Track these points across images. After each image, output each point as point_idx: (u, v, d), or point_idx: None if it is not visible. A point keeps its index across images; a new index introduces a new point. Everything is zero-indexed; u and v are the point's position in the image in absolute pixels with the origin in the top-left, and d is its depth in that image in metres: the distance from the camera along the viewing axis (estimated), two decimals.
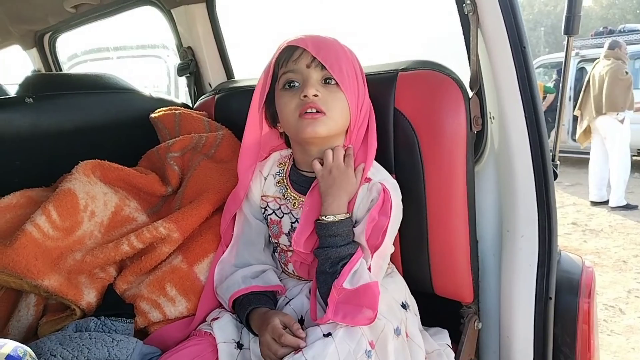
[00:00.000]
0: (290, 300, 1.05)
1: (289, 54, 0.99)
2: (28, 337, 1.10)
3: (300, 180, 1.08)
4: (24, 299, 1.10)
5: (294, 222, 1.06)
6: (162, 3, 1.75)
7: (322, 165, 1.02)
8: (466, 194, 1.11)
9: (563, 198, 5.92)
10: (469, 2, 1.04)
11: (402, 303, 1.07)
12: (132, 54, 3.51)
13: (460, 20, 1.15)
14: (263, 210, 1.13)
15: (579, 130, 5.67)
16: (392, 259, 1.17)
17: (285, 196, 1.09)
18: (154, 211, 1.28)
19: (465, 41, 1.15)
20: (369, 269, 0.95)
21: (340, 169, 0.99)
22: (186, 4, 1.69)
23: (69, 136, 1.44)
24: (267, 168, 1.15)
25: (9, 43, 2.62)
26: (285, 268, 1.12)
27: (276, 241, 1.12)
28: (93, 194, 1.17)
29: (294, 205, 1.07)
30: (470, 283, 1.14)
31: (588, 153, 5.69)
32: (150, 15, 1.93)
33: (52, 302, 1.11)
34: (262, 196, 1.14)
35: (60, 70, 2.55)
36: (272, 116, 1.09)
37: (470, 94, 1.11)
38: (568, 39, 1.12)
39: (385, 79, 1.14)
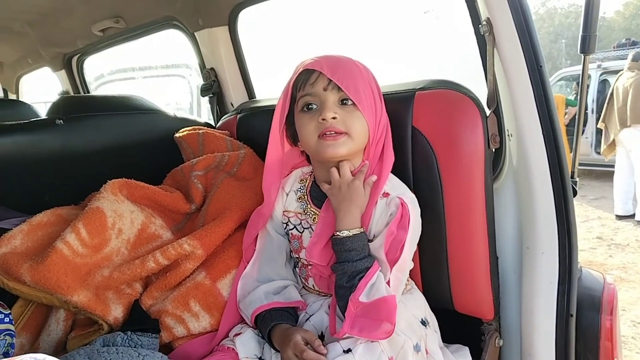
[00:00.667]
0: (311, 316, 1.07)
1: (305, 77, 1.01)
2: (57, 351, 1.13)
3: (320, 196, 1.10)
4: (54, 314, 1.14)
5: None
6: (186, 26, 1.81)
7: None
8: (485, 210, 1.11)
9: (588, 212, 5.82)
10: (484, 23, 1.06)
11: (422, 319, 1.07)
12: (157, 74, 3.61)
13: (477, 40, 1.17)
14: (285, 225, 1.15)
15: (604, 144, 5.58)
16: (412, 275, 1.18)
17: (306, 212, 1.11)
18: (178, 228, 1.32)
19: (482, 61, 1.16)
20: (388, 283, 0.96)
21: (348, 183, 1.01)
22: (209, 27, 1.74)
23: (97, 155, 1.50)
24: (289, 184, 1.17)
25: (40, 65, 2.73)
26: (306, 283, 1.14)
27: (297, 256, 1.14)
28: (120, 212, 1.21)
29: (314, 220, 1.09)
30: (491, 300, 1.15)
31: (613, 166, 5.59)
32: (174, 36, 2.00)
33: (81, 317, 1.15)
34: (284, 212, 1.16)
35: (87, 90, 2.63)
36: (292, 135, 1.11)
37: (488, 112, 1.13)
38: (584, 57, 1.12)
39: (403, 97, 1.17)
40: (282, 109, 1.07)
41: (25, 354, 1.14)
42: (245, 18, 1.76)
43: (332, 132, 0.99)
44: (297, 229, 1.13)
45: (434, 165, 1.12)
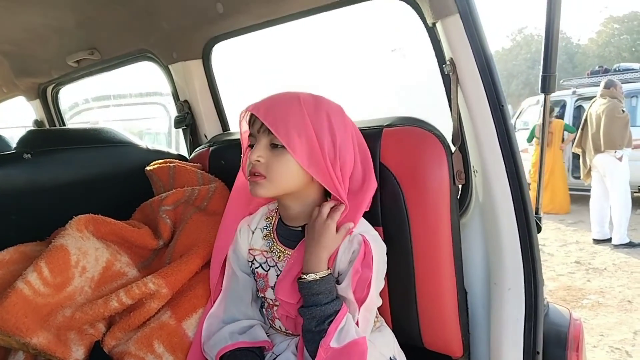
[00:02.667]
0: (278, 356, 1.06)
1: (251, 116, 1.03)
2: None
3: (286, 233, 1.10)
4: (12, 356, 1.11)
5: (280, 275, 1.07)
6: (160, 59, 1.81)
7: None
8: (452, 246, 1.12)
9: (566, 236, 5.89)
10: (448, 63, 1.09)
11: (390, 358, 1.06)
12: (135, 102, 3.60)
13: (442, 79, 1.19)
14: (250, 263, 1.14)
15: (583, 169, 5.69)
16: (381, 312, 1.18)
17: (272, 249, 1.10)
18: (145, 265, 1.29)
19: (447, 98, 1.19)
20: (357, 323, 0.96)
21: (321, 224, 1.00)
22: (183, 60, 1.75)
23: (66, 190, 1.47)
24: (255, 222, 1.17)
25: (14, 94, 2.71)
26: (273, 324, 1.13)
27: (263, 295, 1.12)
28: (85, 250, 1.18)
29: (279, 258, 1.08)
30: (459, 336, 1.14)
31: (589, 190, 5.70)
32: (150, 66, 2.00)
33: (41, 359, 1.12)
34: (249, 249, 1.15)
35: (62, 120, 2.61)
36: None
37: (453, 149, 1.14)
38: (545, 97, 1.15)
39: (371, 134, 1.18)
40: (244, 145, 1.09)
41: None
42: (220, 50, 1.77)
43: (256, 172, 1.00)
44: (262, 267, 1.12)
45: (401, 202, 1.13)
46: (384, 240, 1.13)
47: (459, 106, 1.13)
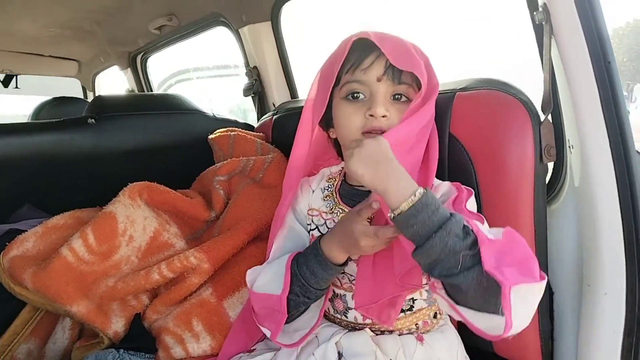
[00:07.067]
0: (319, 345, 0.91)
1: (357, 59, 0.84)
2: None
3: (350, 193, 0.94)
4: (60, 322, 1.11)
5: None
6: (231, 23, 1.74)
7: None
8: (534, 237, 0.93)
9: None
10: (541, 9, 0.87)
11: None
12: (221, 74, 3.63)
13: (534, 31, 0.97)
14: (307, 225, 0.99)
15: None
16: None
17: (333, 210, 0.95)
18: (195, 237, 1.24)
19: (539, 55, 0.97)
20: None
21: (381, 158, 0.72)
22: (252, 23, 1.65)
23: (130, 156, 1.46)
24: (316, 182, 1.02)
25: (110, 64, 2.82)
26: (330, 307, 0.96)
27: None
28: (133, 218, 1.15)
29: (340, 218, 0.93)
30: (538, 344, 0.95)
31: None
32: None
33: (88, 327, 1.10)
34: (308, 210, 1.00)
35: (151, 88, 2.67)
36: (327, 121, 0.94)
37: (542, 117, 0.93)
38: None
39: (440, 99, 1.00)
40: (324, 93, 0.87)
41: None
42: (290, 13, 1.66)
43: (378, 132, 0.82)
44: (319, 229, 0.96)
45: (472, 180, 0.95)
46: None
47: (552, 63, 0.90)
